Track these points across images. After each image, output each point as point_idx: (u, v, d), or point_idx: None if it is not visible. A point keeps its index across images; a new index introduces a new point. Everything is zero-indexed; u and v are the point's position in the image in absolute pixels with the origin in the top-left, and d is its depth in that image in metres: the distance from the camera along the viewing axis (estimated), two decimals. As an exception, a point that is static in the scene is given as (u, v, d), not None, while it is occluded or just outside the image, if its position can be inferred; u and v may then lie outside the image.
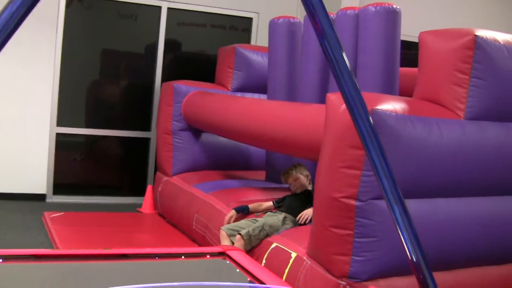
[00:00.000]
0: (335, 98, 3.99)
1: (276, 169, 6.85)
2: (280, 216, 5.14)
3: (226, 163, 7.56)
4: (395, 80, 5.16)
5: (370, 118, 1.72)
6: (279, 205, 5.49)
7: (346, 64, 1.59)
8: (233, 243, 4.98)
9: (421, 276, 1.76)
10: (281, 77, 6.64)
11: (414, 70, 5.59)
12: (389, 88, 5.07)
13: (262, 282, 2.50)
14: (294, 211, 5.18)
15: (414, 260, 1.75)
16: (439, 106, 4.21)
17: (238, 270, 2.68)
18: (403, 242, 1.74)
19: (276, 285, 2.51)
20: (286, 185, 6.60)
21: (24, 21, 1.48)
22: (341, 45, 1.60)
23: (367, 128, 1.66)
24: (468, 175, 4.17)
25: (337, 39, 1.59)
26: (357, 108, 1.66)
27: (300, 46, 6.40)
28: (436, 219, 4.03)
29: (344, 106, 3.81)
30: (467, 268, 4.28)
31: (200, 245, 6.03)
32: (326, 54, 1.61)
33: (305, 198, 5.26)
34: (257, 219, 5.18)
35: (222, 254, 2.85)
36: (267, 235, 4.92)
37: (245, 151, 7.63)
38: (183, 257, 2.84)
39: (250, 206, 5.61)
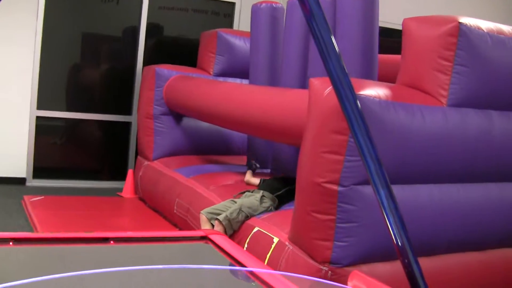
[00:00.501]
0: (318, 83, 3.97)
1: (257, 154, 6.84)
2: (258, 194, 5.13)
3: (207, 148, 7.55)
4: (374, 65, 5.13)
5: (358, 102, 1.71)
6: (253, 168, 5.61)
7: (334, 46, 1.58)
8: (213, 227, 4.96)
9: (406, 260, 1.75)
10: (263, 62, 6.62)
11: (395, 57, 5.60)
12: (368, 74, 5.04)
13: (244, 266, 2.49)
14: (273, 190, 5.19)
15: (399, 244, 1.75)
16: (422, 93, 4.21)
17: (220, 254, 2.67)
18: (388, 226, 1.73)
19: (258, 268, 2.50)
20: (266, 170, 6.61)
21: (3, 4, 1.45)
22: (329, 26, 1.58)
23: (354, 111, 1.65)
24: (450, 161, 4.18)
25: (325, 20, 1.57)
26: (344, 92, 1.65)
27: (282, 32, 6.38)
28: (418, 205, 4.04)
29: (327, 90, 3.80)
30: (449, 254, 4.30)
31: (181, 229, 6.02)
32: (314, 35, 1.59)
33: (287, 181, 5.27)
34: (235, 200, 5.16)
35: (204, 238, 2.84)
36: (247, 217, 4.90)
37: (226, 136, 7.62)
38: (165, 241, 2.82)
39: (247, 173, 5.72)
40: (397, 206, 1.76)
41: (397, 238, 1.78)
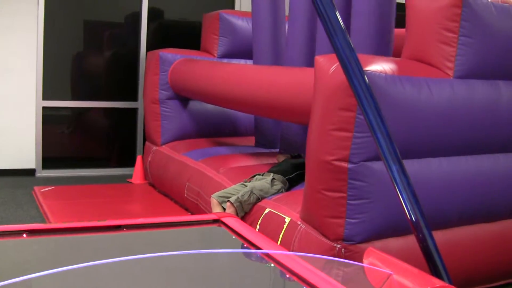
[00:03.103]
0: (323, 60, 3.95)
1: (265, 135, 6.84)
2: (268, 177, 5.13)
3: (214, 130, 7.54)
4: (390, 44, 5.09)
5: (365, 77, 1.70)
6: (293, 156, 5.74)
7: (339, 23, 1.57)
8: (224, 210, 4.97)
9: (420, 235, 1.75)
10: (266, 42, 6.60)
11: (398, 30, 5.56)
12: (383, 53, 5.00)
13: (258, 248, 2.50)
14: (283, 173, 5.19)
15: (413, 219, 1.74)
16: (428, 66, 4.19)
17: (233, 237, 2.67)
18: (402, 201, 1.73)
19: (272, 249, 2.50)
20: (275, 150, 6.61)
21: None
22: (333, 3, 1.56)
23: (362, 86, 1.64)
24: (459, 134, 4.17)
25: (330, -2, 1.56)
26: (352, 67, 1.63)
27: (284, 10, 6.36)
28: (427, 179, 4.04)
29: (333, 68, 3.78)
30: (460, 226, 4.30)
31: (192, 213, 6.03)
32: (319, 12, 1.58)
33: (297, 165, 5.27)
34: (246, 183, 5.16)
35: (217, 221, 2.84)
36: (258, 199, 4.91)
37: (233, 118, 7.60)
38: (178, 225, 2.83)
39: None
40: (410, 181, 1.76)
41: (411, 213, 1.78)
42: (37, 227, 2.74)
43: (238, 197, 4.87)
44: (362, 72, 1.65)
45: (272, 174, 5.18)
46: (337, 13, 1.60)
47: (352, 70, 1.65)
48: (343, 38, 1.59)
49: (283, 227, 4.34)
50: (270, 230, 4.42)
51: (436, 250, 1.85)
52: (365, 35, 4.86)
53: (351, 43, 1.64)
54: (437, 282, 1.94)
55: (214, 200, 5.09)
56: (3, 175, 7.61)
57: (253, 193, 4.91)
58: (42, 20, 7.72)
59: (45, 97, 7.86)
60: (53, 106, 8.01)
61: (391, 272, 1.92)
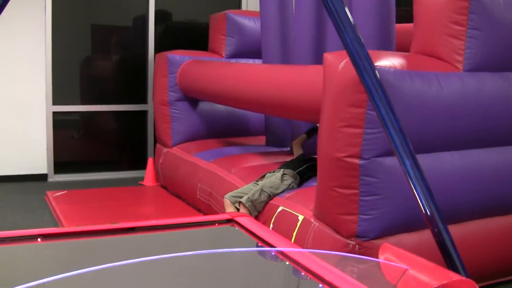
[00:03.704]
0: (332, 57, 3.95)
1: (276, 133, 6.83)
2: (279, 173, 5.12)
3: (225, 131, 7.54)
4: (392, 38, 5.09)
5: (377, 72, 1.69)
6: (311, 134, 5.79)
7: (349, 18, 1.56)
8: (238, 210, 4.97)
9: (435, 229, 1.74)
10: (274, 41, 6.59)
11: (405, 25, 5.54)
12: (386, 47, 5.00)
13: (272, 246, 2.49)
14: (293, 167, 5.19)
15: (428, 213, 1.74)
16: (437, 60, 4.18)
17: (247, 236, 2.67)
18: (416, 195, 1.72)
19: (287, 247, 2.50)
20: (286, 149, 6.60)
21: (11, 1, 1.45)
22: (342, -1, 1.56)
23: (373, 82, 1.63)
24: (470, 127, 4.16)
25: (338, -6, 1.55)
26: (362, 63, 1.63)
27: (292, 8, 6.35)
28: (440, 173, 4.02)
29: (342, 64, 3.78)
30: (472, 220, 4.29)
31: (205, 214, 6.03)
32: (328, 8, 1.58)
33: (307, 160, 5.27)
34: (258, 182, 5.16)
35: (230, 221, 2.84)
36: (270, 197, 4.90)
37: (243, 118, 7.60)
38: (191, 226, 2.83)
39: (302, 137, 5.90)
40: (424, 175, 1.75)
41: (426, 207, 1.78)
42: (51, 231, 2.75)
43: (249, 197, 4.87)
44: (373, 67, 1.65)
45: (282, 169, 5.18)
46: (346, 9, 1.60)
47: (362, 65, 1.64)
48: (352, 33, 1.58)
49: (297, 225, 4.34)
50: (284, 228, 4.42)
51: (452, 243, 1.84)
52: (366, 31, 4.85)
53: (361, 39, 1.64)
54: (454, 276, 1.93)
55: (227, 200, 5.09)
56: (16, 181, 7.64)
57: (264, 191, 4.90)
58: (50, 25, 7.75)
59: (55, 102, 7.89)
60: (63, 111, 8.03)
61: (407, 267, 1.91)
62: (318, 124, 5.55)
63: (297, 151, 5.74)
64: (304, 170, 5.20)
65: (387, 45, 4.97)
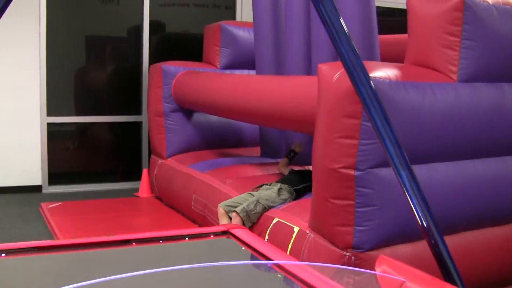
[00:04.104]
0: (326, 68, 3.95)
1: (271, 145, 6.83)
2: (275, 187, 5.12)
3: (219, 142, 7.54)
4: (375, 47, 5.10)
5: (372, 83, 1.69)
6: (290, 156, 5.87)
7: (343, 29, 1.56)
8: (231, 219, 4.96)
9: (432, 241, 1.74)
10: (268, 52, 6.60)
11: (399, 36, 5.56)
12: (369, 56, 5.01)
13: (268, 259, 2.48)
14: (291, 184, 5.18)
15: (425, 225, 1.73)
16: (432, 70, 4.18)
17: (243, 248, 2.66)
18: (412, 207, 1.72)
19: (283, 260, 2.49)
20: (281, 160, 6.59)
21: (5, 12, 1.45)
22: (337, 9, 1.56)
23: (368, 93, 1.63)
24: (465, 137, 4.16)
25: (333, 4, 1.55)
26: (357, 73, 1.63)
27: (284, 19, 6.36)
28: (435, 184, 4.02)
29: (337, 75, 3.78)
30: (468, 231, 4.28)
31: (200, 225, 6.02)
32: (322, 19, 1.57)
33: (305, 176, 5.25)
34: (253, 193, 5.15)
35: (225, 233, 2.83)
36: (265, 209, 4.89)
37: (237, 129, 7.60)
38: (187, 238, 2.82)
39: (283, 160, 5.95)
40: (420, 186, 1.75)
41: (422, 219, 1.77)
42: (45, 243, 2.73)
43: (244, 207, 4.86)
44: (368, 78, 1.65)
45: (279, 184, 5.17)
46: (341, 19, 1.59)
47: (358, 76, 1.64)
48: (347, 44, 1.58)
49: (292, 236, 4.33)
50: (279, 240, 4.41)
51: (448, 255, 1.84)
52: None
53: (356, 49, 1.64)
54: (451, 288, 1.93)
55: (221, 209, 5.09)
56: (10, 192, 7.62)
57: (259, 202, 4.89)
58: (44, 36, 7.76)
59: (49, 113, 7.89)
60: (58, 122, 8.02)
61: (404, 280, 1.91)
62: (294, 145, 5.63)
63: (286, 171, 5.76)
64: (302, 189, 5.20)
65: (371, 54, 4.98)
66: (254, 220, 4.88)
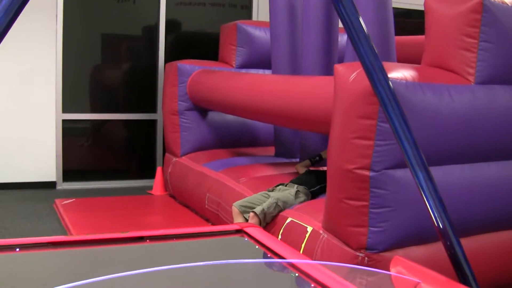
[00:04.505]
0: (343, 68, 3.94)
1: (285, 144, 6.82)
2: (292, 190, 5.10)
3: (234, 141, 7.54)
4: (392, 49, 5.08)
5: (390, 83, 1.68)
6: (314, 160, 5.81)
7: (363, 29, 1.55)
8: (246, 220, 4.95)
9: (448, 242, 1.73)
10: (284, 51, 6.60)
11: (416, 38, 5.53)
12: (386, 58, 4.99)
13: (282, 257, 2.48)
14: (307, 185, 5.16)
15: (441, 226, 1.72)
16: (449, 72, 4.16)
17: (257, 247, 2.65)
18: (429, 208, 1.70)
19: (297, 259, 2.49)
20: (295, 160, 6.59)
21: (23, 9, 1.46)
22: (356, 9, 1.55)
23: (387, 93, 1.62)
24: (481, 140, 4.13)
25: (353, 3, 1.54)
26: (376, 74, 1.62)
27: (301, 18, 6.36)
28: (450, 186, 3.99)
29: (353, 76, 3.77)
30: (483, 233, 4.26)
31: (213, 224, 6.01)
32: (342, 19, 1.56)
33: (321, 177, 5.24)
34: (268, 193, 5.14)
35: (239, 231, 2.82)
36: (281, 210, 4.89)
37: (252, 128, 7.60)
38: (201, 236, 2.82)
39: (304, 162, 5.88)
40: (436, 187, 1.73)
41: (438, 220, 1.76)
42: (60, 239, 2.74)
43: (263, 209, 4.84)
44: (386, 78, 1.64)
45: (296, 185, 5.15)
46: (361, 20, 1.59)
47: (376, 77, 1.63)
48: (367, 44, 1.57)
49: (305, 236, 4.32)
50: (292, 239, 4.40)
51: (464, 257, 1.82)
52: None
53: (376, 50, 1.63)
54: (466, 290, 1.92)
55: (235, 209, 5.07)
56: (24, 188, 7.65)
57: (278, 205, 4.89)
58: (61, 34, 7.79)
59: (64, 110, 7.91)
60: (73, 119, 8.05)
61: (419, 281, 1.90)
62: (324, 151, 5.58)
63: (302, 170, 5.75)
64: (318, 190, 5.18)
65: (387, 55, 4.96)
66: (268, 221, 4.88)
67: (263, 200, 4.98)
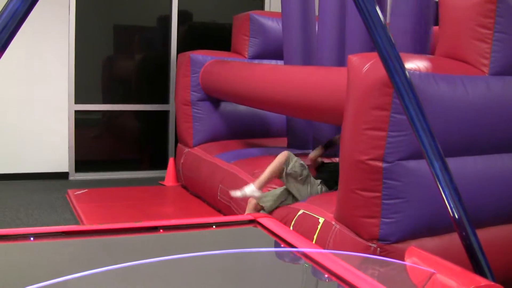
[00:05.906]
0: (357, 59, 3.93)
1: (298, 135, 6.81)
2: (317, 187, 5.11)
3: (246, 132, 7.53)
4: (428, 43, 5.01)
5: (407, 72, 1.67)
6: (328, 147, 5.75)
7: (380, 18, 1.54)
8: (261, 209, 4.97)
9: (463, 233, 1.72)
10: (296, 42, 6.57)
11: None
12: (421, 51, 4.92)
13: (294, 247, 2.48)
14: (330, 184, 5.17)
15: (456, 216, 1.71)
16: (463, 63, 4.14)
17: (270, 237, 2.65)
18: (444, 198, 1.70)
19: (310, 249, 2.48)
20: (308, 151, 6.57)
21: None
22: (373, -3, 1.54)
23: (403, 82, 1.61)
24: (495, 131, 4.11)
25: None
26: (393, 63, 1.61)
27: (314, 9, 6.34)
28: (463, 177, 3.96)
29: (366, 67, 3.76)
30: (496, 225, 4.24)
31: (225, 215, 6.02)
32: (358, 7, 1.55)
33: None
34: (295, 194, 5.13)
35: (252, 221, 2.82)
36: (293, 202, 4.91)
37: (265, 119, 7.59)
38: (214, 226, 2.82)
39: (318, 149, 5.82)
40: (452, 178, 1.73)
41: (454, 210, 1.75)
42: (73, 228, 2.75)
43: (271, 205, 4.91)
44: (403, 67, 1.63)
45: (319, 181, 5.16)
46: (378, 8, 1.57)
47: (393, 66, 1.62)
48: (383, 34, 1.56)
49: (317, 227, 4.32)
50: (304, 231, 4.40)
51: (480, 248, 1.82)
52: (402, 33, 4.75)
53: (392, 39, 1.62)
54: (482, 280, 1.91)
55: (252, 200, 5.09)
56: (37, 179, 7.69)
57: (295, 197, 4.92)
58: (74, 25, 7.80)
59: (77, 101, 7.93)
60: (85, 110, 8.07)
61: (434, 271, 1.89)
62: (336, 137, 5.55)
63: (315, 162, 5.74)
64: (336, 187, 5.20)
65: (422, 47, 4.88)
66: (274, 206, 4.92)
67: (280, 195, 5.01)
